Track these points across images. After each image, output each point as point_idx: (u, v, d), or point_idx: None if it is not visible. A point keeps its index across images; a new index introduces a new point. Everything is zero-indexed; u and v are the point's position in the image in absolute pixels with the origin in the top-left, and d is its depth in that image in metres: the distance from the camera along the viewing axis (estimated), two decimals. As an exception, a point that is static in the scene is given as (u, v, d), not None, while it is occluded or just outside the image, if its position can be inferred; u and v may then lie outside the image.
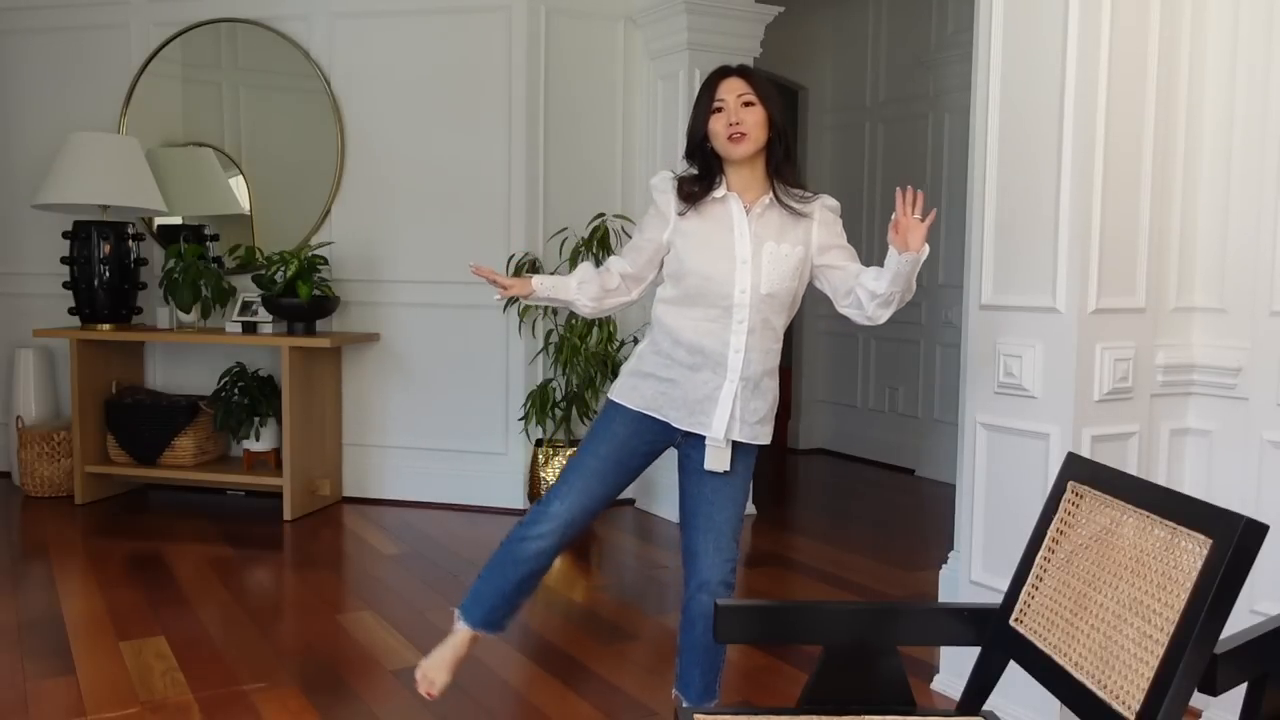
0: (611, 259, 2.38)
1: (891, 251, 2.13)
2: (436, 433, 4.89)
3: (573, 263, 4.58)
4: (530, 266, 4.54)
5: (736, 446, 2.26)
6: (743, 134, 2.19)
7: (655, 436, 2.29)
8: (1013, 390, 2.55)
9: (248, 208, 5.08)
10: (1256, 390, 2.46)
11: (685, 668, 2.35)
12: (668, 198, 2.27)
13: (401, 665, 2.93)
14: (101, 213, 4.72)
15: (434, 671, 2.38)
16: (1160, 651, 1.29)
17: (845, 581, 3.82)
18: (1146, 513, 1.42)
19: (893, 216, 2.14)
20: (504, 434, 4.82)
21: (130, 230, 4.84)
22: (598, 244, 4.51)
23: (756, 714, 2.03)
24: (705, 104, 2.24)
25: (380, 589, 3.68)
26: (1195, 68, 2.54)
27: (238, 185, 5.08)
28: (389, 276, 4.90)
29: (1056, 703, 2.29)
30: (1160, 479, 2.56)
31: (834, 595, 3.64)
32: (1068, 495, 1.62)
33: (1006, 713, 2.31)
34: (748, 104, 2.21)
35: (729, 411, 2.22)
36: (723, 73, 2.27)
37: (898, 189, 2.16)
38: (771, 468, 5.89)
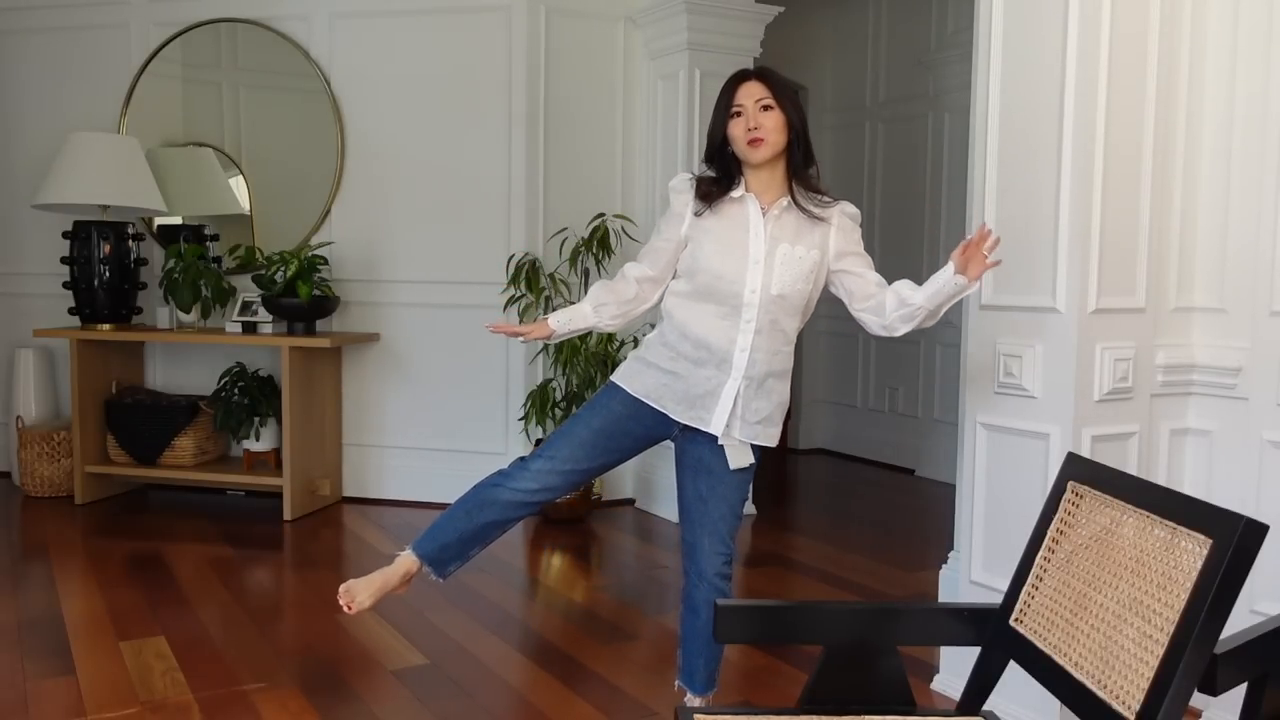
0: (628, 265, 2.36)
1: (946, 269, 2.14)
2: (436, 433, 4.89)
3: (572, 263, 4.59)
4: (530, 266, 4.54)
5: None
6: (760, 139, 2.20)
7: (651, 425, 2.29)
8: (1013, 390, 2.55)
9: (248, 208, 5.08)
10: (1256, 390, 2.46)
11: (689, 658, 2.35)
12: (685, 198, 2.28)
13: (402, 665, 2.93)
14: (101, 213, 4.72)
15: (360, 591, 2.31)
16: (1160, 651, 1.29)
17: (845, 581, 3.82)
18: (1146, 513, 1.42)
19: (967, 238, 2.15)
20: (504, 434, 4.82)
21: (130, 230, 4.84)
22: (597, 244, 4.50)
23: (756, 714, 2.03)
24: (724, 108, 2.25)
25: (380, 589, 3.67)
26: (1195, 68, 2.54)
27: (238, 185, 5.08)
28: (389, 276, 4.90)
29: (1056, 703, 2.29)
30: (1160, 479, 2.56)
31: (834, 595, 3.63)
32: (1068, 495, 1.62)
33: (1006, 713, 2.31)
34: (766, 108, 2.21)
35: (730, 409, 2.23)
36: (742, 76, 2.28)
37: (983, 223, 2.17)
38: (771, 468, 5.89)
